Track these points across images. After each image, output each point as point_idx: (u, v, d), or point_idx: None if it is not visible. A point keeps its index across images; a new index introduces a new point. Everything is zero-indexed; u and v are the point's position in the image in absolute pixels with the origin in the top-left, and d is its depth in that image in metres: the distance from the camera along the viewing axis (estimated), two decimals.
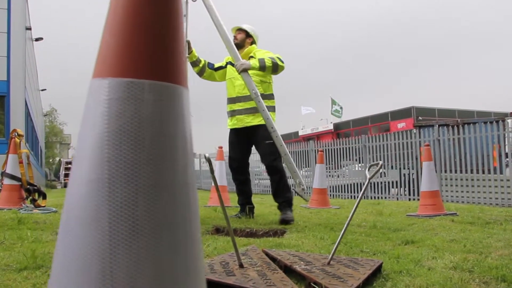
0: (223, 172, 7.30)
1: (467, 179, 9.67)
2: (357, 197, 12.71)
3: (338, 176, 14.10)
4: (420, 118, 30.76)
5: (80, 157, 0.64)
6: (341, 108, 36.11)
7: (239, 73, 4.45)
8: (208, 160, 2.19)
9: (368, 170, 2.56)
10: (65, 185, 32.90)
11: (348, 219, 2.51)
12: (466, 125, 10.07)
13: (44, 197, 5.80)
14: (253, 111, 4.70)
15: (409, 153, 11.60)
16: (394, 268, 2.53)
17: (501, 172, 9.24)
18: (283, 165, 4.82)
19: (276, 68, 4.65)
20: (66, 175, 35.65)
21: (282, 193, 4.75)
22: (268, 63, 4.60)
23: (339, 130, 39.43)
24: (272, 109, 4.81)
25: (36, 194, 5.72)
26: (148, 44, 0.64)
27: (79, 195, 0.61)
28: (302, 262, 2.43)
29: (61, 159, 45.62)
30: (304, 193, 4.47)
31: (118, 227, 0.58)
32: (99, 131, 0.63)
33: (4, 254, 2.70)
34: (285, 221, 4.47)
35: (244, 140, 4.90)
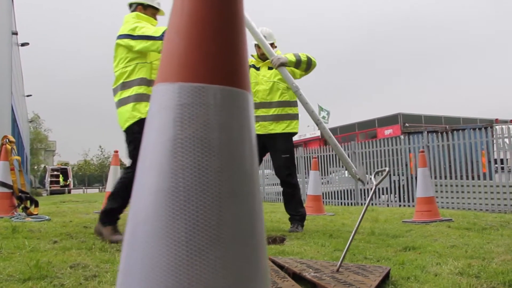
0: None
1: (457, 185, 9.75)
2: (348, 204, 12.75)
3: (328, 182, 14.12)
4: (407, 124, 31.06)
5: (147, 166, 0.62)
6: (327, 113, 36.06)
7: (276, 68, 4.28)
8: None
9: (374, 176, 2.56)
10: (51, 193, 32.41)
11: (356, 226, 2.50)
12: (455, 131, 10.19)
13: (36, 205, 5.70)
14: (277, 118, 4.62)
15: (399, 159, 11.67)
16: (401, 274, 2.53)
17: (490, 178, 9.34)
18: (298, 180, 4.78)
19: (310, 63, 4.55)
20: (52, 182, 35.13)
21: (295, 208, 4.69)
22: (303, 57, 4.49)
23: None
24: (296, 117, 4.76)
25: (28, 202, 5.62)
26: (217, 49, 0.63)
27: (150, 205, 0.59)
28: (310, 270, 2.42)
29: (46, 166, 45.02)
30: (359, 179, 4.15)
31: (194, 237, 0.56)
32: (170, 137, 0.61)
33: (4, 264, 2.64)
34: (292, 232, 4.46)
35: (259, 148, 4.83)
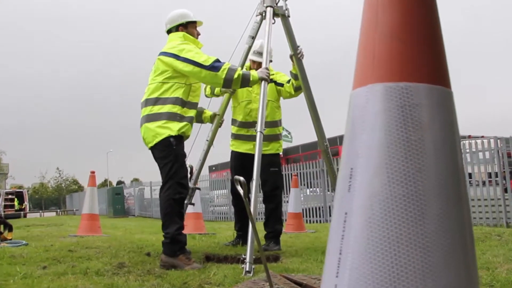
0: (198, 200, 7.14)
1: None
2: (316, 221, 12.79)
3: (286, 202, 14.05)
4: None
5: (367, 169, 0.58)
6: (289, 133, 36.48)
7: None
8: (243, 184, 2.11)
9: None
10: (5, 217, 30.89)
11: None
12: None
13: (10, 229, 5.42)
14: (271, 139, 4.63)
15: None
16: None
17: None
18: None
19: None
20: (6, 206, 33.51)
21: (272, 224, 4.67)
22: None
23: (289, 156, 39.89)
24: (281, 136, 4.82)
25: (2, 227, 5.35)
26: (436, 51, 0.62)
27: (382, 212, 0.56)
28: None
29: (0, 190, 43.02)
30: None
31: (435, 243, 0.53)
32: (402, 138, 0.58)
33: None
34: (265, 251, 4.38)
35: (249, 166, 4.74)
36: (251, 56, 4.65)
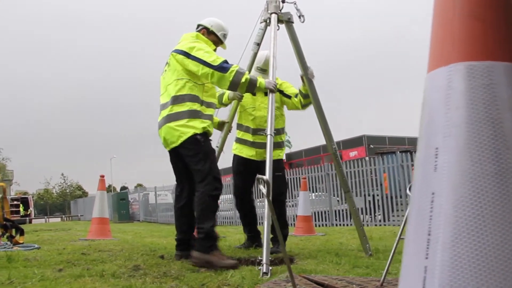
0: None
1: None
2: (322, 225, 12.77)
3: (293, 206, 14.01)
4: (371, 146, 31.75)
5: (455, 148, 0.57)
6: (289, 138, 36.27)
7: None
8: (267, 183, 2.11)
9: (409, 189, 2.56)
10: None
11: (396, 242, 2.49)
12: None
13: (22, 233, 5.43)
14: (274, 146, 4.62)
15: (373, 179, 11.86)
16: None
17: None
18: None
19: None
20: (12, 212, 33.49)
21: (279, 228, 4.66)
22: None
23: (292, 160, 39.89)
24: (283, 144, 4.83)
25: (14, 231, 5.35)
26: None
27: (471, 190, 0.55)
28: (354, 286, 2.38)
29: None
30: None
31: None
32: (490, 117, 0.57)
33: None
34: (274, 253, 4.37)
35: (252, 171, 4.73)
36: (254, 73, 4.62)
